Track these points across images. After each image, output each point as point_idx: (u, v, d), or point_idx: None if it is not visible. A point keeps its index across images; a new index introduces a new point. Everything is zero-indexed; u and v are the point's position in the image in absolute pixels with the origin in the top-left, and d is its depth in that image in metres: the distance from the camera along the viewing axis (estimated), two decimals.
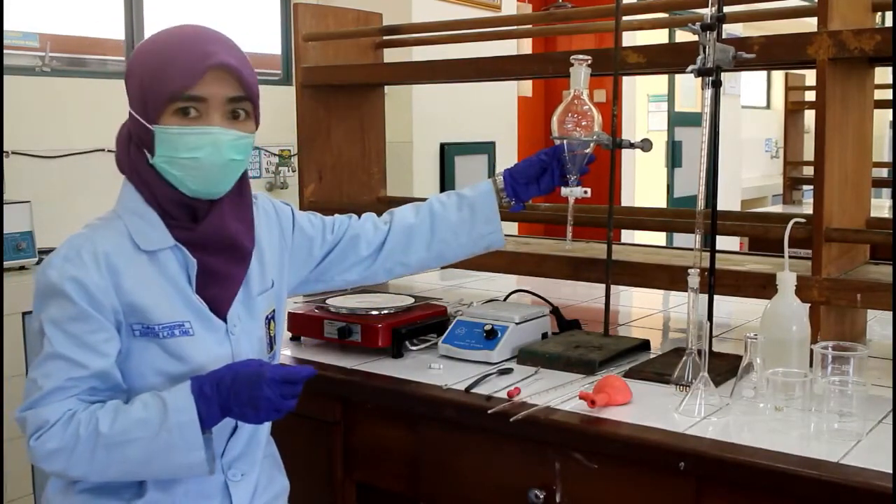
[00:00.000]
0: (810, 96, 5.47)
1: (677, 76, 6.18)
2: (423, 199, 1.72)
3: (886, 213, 4.57)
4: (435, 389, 1.66)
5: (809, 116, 5.59)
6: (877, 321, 2.04)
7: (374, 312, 1.90)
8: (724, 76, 1.65)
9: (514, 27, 2.81)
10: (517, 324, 1.83)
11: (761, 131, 8.80)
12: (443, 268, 2.19)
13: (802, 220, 1.66)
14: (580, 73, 1.69)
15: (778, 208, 6.06)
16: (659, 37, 5.91)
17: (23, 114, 3.08)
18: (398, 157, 3.70)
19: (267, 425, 1.50)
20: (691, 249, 1.61)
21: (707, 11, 1.57)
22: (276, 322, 1.51)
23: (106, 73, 3.51)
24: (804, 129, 5.74)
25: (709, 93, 1.58)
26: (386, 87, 2.84)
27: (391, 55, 2.71)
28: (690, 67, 1.59)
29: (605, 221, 1.92)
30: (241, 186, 1.40)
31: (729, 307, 2.22)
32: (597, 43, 4.95)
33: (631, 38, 4.64)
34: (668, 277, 1.89)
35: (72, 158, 3.24)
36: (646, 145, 1.71)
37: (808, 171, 5.51)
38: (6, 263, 2.66)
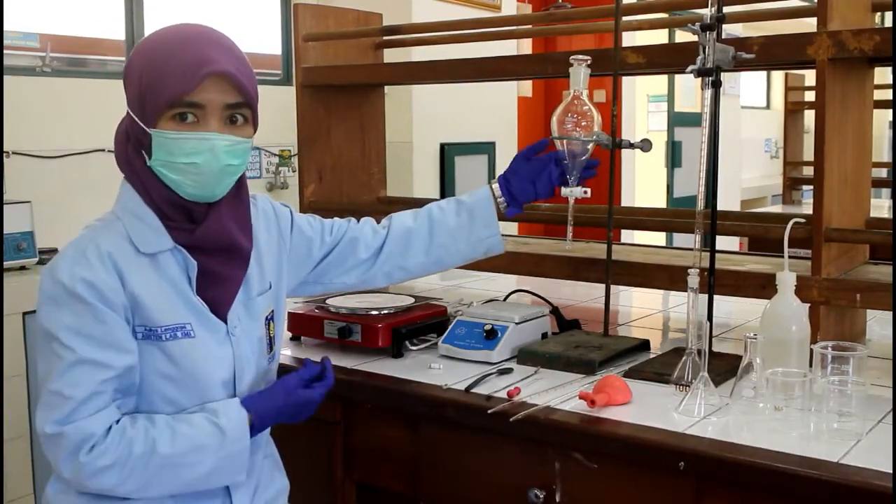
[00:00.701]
0: (810, 96, 5.47)
1: (677, 76, 6.17)
2: (423, 200, 1.73)
3: (886, 213, 4.57)
4: (435, 389, 1.66)
5: (809, 116, 5.59)
6: (876, 321, 2.04)
7: (374, 312, 1.90)
8: (724, 76, 1.65)
9: (514, 27, 2.81)
10: (517, 324, 1.83)
11: (761, 131, 8.80)
12: None
13: (802, 220, 1.66)
14: (580, 74, 1.69)
15: (777, 208, 6.06)
16: (659, 37, 5.91)
17: (23, 114, 3.07)
18: (398, 157, 3.70)
19: None
20: (691, 249, 1.61)
21: (707, 11, 1.57)
22: (275, 323, 1.51)
23: (106, 73, 3.50)
24: (804, 130, 5.74)
25: (708, 93, 1.58)
26: (386, 88, 2.84)
27: (391, 55, 2.71)
28: (690, 67, 1.59)
29: (604, 221, 1.92)
30: (238, 188, 1.40)
31: (729, 307, 2.22)
32: (597, 43, 4.95)
33: (631, 39, 4.64)
34: (667, 277, 1.89)
35: (72, 158, 3.24)
36: (645, 145, 1.72)
37: (808, 171, 5.52)
38: (6, 263, 2.66)
